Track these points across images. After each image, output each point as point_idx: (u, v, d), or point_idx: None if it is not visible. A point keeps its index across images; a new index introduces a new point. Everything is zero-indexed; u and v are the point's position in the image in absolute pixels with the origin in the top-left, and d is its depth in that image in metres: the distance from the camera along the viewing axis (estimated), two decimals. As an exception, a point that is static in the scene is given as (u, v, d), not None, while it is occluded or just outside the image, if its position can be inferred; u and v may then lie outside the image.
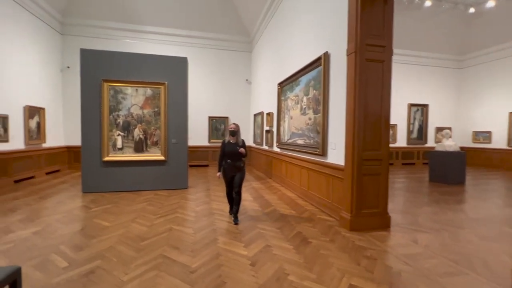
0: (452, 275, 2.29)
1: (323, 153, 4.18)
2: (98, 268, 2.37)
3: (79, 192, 5.28)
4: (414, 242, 3.00)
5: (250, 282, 2.15)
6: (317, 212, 4.14)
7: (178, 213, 4.02)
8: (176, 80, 5.64)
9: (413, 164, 10.60)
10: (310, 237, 3.12)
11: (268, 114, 7.41)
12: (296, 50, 5.52)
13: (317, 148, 4.36)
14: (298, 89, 5.28)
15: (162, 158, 5.59)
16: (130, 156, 5.46)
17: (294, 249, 2.79)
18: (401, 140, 10.53)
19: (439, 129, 10.65)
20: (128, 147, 5.47)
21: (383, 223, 3.45)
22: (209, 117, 9.82)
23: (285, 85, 6.07)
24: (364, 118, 3.35)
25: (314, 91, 4.56)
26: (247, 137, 9.85)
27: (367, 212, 3.40)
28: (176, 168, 5.70)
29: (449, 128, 10.62)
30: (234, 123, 3.74)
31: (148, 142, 5.57)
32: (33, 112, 6.90)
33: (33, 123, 6.92)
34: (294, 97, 5.52)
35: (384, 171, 3.46)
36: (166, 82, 5.54)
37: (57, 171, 7.91)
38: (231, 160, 3.61)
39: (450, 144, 6.78)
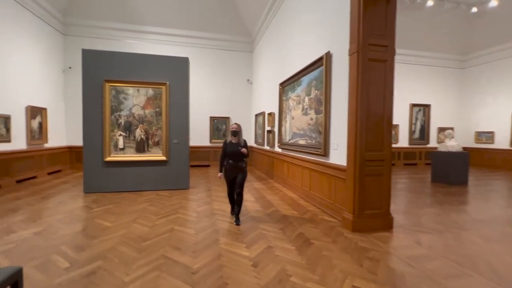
0: (456, 277, 2.26)
1: (325, 154, 4.16)
2: (100, 268, 2.36)
3: (81, 192, 5.28)
4: (417, 243, 2.98)
5: (252, 284, 2.14)
6: (319, 213, 4.12)
7: (180, 214, 4.01)
8: (177, 80, 5.64)
9: (415, 164, 10.56)
10: (312, 238, 3.10)
11: (270, 114, 7.40)
12: (298, 50, 5.51)
13: (319, 148, 4.34)
14: (300, 89, 5.26)
15: (164, 158, 5.59)
16: (131, 156, 5.46)
17: (296, 250, 2.77)
18: (403, 141, 10.50)
19: (441, 129, 10.61)
20: (130, 147, 5.47)
21: (386, 224, 3.43)
22: (211, 117, 9.82)
23: (286, 85, 6.06)
24: (367, 118, 3.33)
25: (316, 91, 4.54)
26: (249, 137, 9.83)
27: (370, 213, 3.38)
28: (177, 168, 5.70)
29: (451, 128, 10.55)
30: (236, 123, 3.72)
31: (150, 142, 5.57)
32: (35, 112, 6.92)
33: (35, 123, 6.93)
34: (295, 97, 5.51)
35: (386, 172, 3.44)
36: (168, 82, 5.54)
37: (59, 171, 7.93)
38: (233, 160, 3.60)
39: (452, 145, 6.75)
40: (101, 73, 5.26)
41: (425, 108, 10.61)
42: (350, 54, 3.43)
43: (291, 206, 4.54)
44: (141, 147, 5.53)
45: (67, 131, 8.51)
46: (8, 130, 6.00)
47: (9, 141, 6.04)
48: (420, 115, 10.61)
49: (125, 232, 3.25)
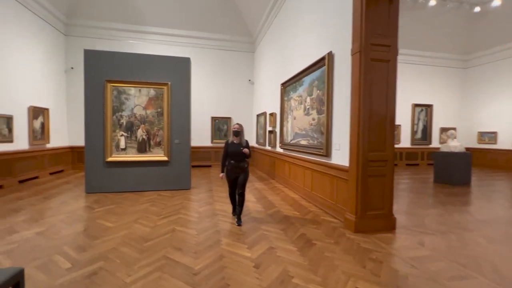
0: (461, 279, 2.24)
1: (327, 154, 4.14)
2: (101, 269, 2.36)
3: (83, 193, 5.29)
4: (420, 244, 2.96)
5: (254, 285, 2.13)
6: (321, 214, 4.10)
7: (181, 214, 4.00)
8: (179, 81, 5.63)
9: (417, 165, 10.51)
10: (314, 239, 3.08)
11: (271, 114, 7.39)
12: (300, 50, 5.49)
13: (321, 148, 4.32)
14: (302, 89, 5.25)
15: (165, 158, 5.59)
16: (133, 156, 5.46)
17: (298, 251, 2.76)
18: (405, 141, 10.45)
19: (443, 130, 10.55)
20: (131, 147, 5.47)
21: (388, 225, 3.41)
22: (212, 118, 9.82)
23: (288, 85, 6.04)
24: (369, 118, 3.31)
25: (318, 91, 4.53)
26: (250, 137, 9.81)
27: (372, 214, 3.36)
28: (179, 168, 5.70)
29: (454, 129, 10.49)
30: (237, 123, 3.71)
31: (151, 142, 5.57)
32: (37, 112, 6.94)
33: (37, 124, 6.96)
34: (297, 98, 5.49)
35: (389, 172, 3.42)
36: (169, 83, 5.54)
37: (61, 171, 7.95)
38: (235, 160, 3.59)
39: (455, 145, 6.71)
40: (102, 74, 5.26)
41: (427, 108, 10.55)
42: (353, 54, 3.41)
43: (292, 206, 4.52)
44: (142, 148, 5.53)
45: (69, 131, 8.54)
46: (10, 130, 6.02)
47: (11, 141, 6.06)
48: (422, 115, 10.56)
49: (126, 232, 3.25)
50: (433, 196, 5.41)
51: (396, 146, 10.07)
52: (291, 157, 5.76)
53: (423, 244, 2.96)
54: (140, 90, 5.46)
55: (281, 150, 6.55)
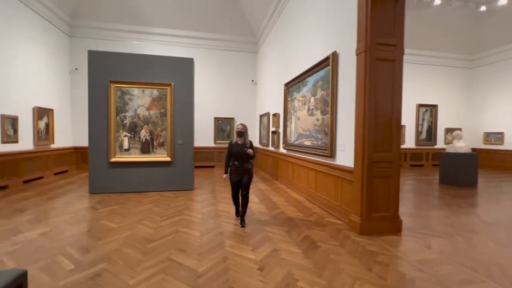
0: (469, 283, 2.19)
1: (332, 155, 4.10)
2: (105, 271, 2.34)
3: (86, 193, 5.30)
4: (427, 247, 2.90)
5: (258, 288, 2.10)
6: (325, 215, 4.06)
7: (185, 215, 3.99)
8: (182, 81, 5.63)
9: (422, 165, 10.40)
10: (319, 241, 3.04)
11: (274, 115, 7.36)
12: (303, 51, 5.46)
13: (325, 149, 4.28)
14: (305, 90, 5.21)
15: (168, 159, 5.58)
16: (136, 157, 5.46)
17: (303, 254, 2.72)
18: (409, 142, 10.34)
19: (448, 130, 10.43)
20: (135, 148, 5.48)
21: (394, 227, 3.36)
22: (215, 118, 9.81)
23: (291, 86, 6.01)
24: (374, 118, 3.26)
25: (322, 91, 4.49)
26: (253, 138, 9.79)
27: (378, 216, 3.31)
28: (182, 169, 5.69)
29: (459, 129, 10.36)
30: (241, 124, 3.68)
31: (154, 143, 5.57)
32: (42, 113, 6.99)
33: (42, 124, 7.00)
34: (301, 98, 5.46)
35: (395, 173, 3.38)
36: (173, 83, 5.54)
37: (65, 171, 8.00)
38: (239, 161, 3.56)
39: (461, 146, 6.61)
40: (106, 74, 5.28)
41: (432, 108, 10.44)
42: (358, 54, 3.37)
43: (296, 208, 4.49)
44: (146, 148, 5.53)
45: (73, 131, 8.59)
46: (15, 131, 6.07)
47: (16, 141, 6.10)
48: (427, 116, 10.45)
49: (130, 233, 3.24)
50: (439, 197, 5.33)
51: (400, 146, 10.02)
52: (294, 158, 5.72)
53: (430, 247, 2.90)
54: (143, 90, 5.47)
55: (284, 151, 6.52)
